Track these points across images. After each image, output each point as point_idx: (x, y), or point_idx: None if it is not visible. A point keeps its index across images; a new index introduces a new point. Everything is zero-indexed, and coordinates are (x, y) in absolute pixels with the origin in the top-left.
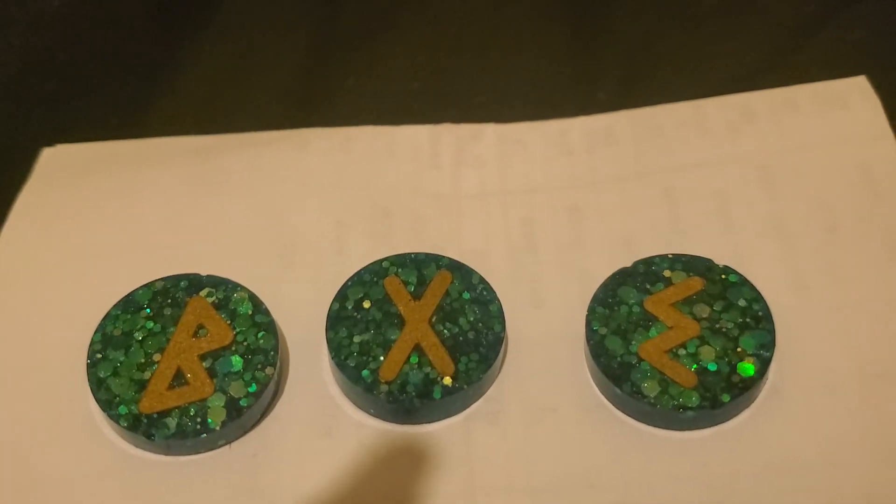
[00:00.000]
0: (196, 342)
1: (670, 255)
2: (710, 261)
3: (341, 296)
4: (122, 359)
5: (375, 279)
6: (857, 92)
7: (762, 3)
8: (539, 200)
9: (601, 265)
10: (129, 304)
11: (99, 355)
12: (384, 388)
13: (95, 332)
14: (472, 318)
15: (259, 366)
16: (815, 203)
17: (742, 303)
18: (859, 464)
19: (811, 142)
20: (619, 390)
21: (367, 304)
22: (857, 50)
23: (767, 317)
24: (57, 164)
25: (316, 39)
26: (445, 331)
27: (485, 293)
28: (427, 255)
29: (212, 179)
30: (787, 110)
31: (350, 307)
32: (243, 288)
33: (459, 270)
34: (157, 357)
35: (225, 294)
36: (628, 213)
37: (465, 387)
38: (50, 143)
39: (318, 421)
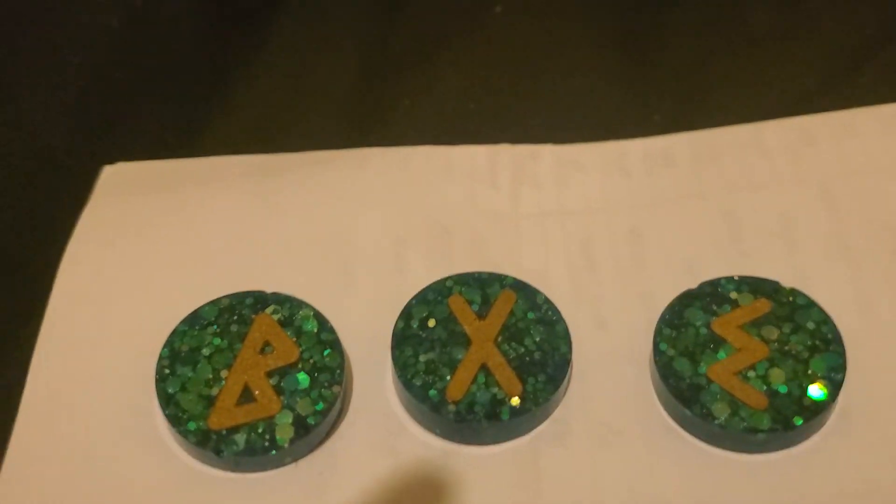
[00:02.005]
0: (263, 359)
1: (736, 277)
2: (776, 283)
3: (406, 314)
4: (189, 374)
5: (440, 298)
6: None
7: (819, 25)
8: (598, 221)
9: (663, 287)
10: (195, 321)
11: (167, 371)
12: (451, 408)
13: (163, 348)
14: (538, 339)
15: (326, 384)
16: (879, 225)
17: (811, 325)
18: None
19: (873, 164)
20: (688, 412)
21: (431, 323)
22: None
23: (837, 339)
24: (118, 181)
25: (370, 60)
26: (511, 351)
27: (550, 313)
28: (490, 274)
29: (271, 197)
30: (848, 133)
31: (415, 326)
32: (308, 305)
33: (524, 290)
34: (224, 373)
35: (290, 311)
36: (689, 235)
37: (534, 408)
38: (110, 161)
39: (383, 440)
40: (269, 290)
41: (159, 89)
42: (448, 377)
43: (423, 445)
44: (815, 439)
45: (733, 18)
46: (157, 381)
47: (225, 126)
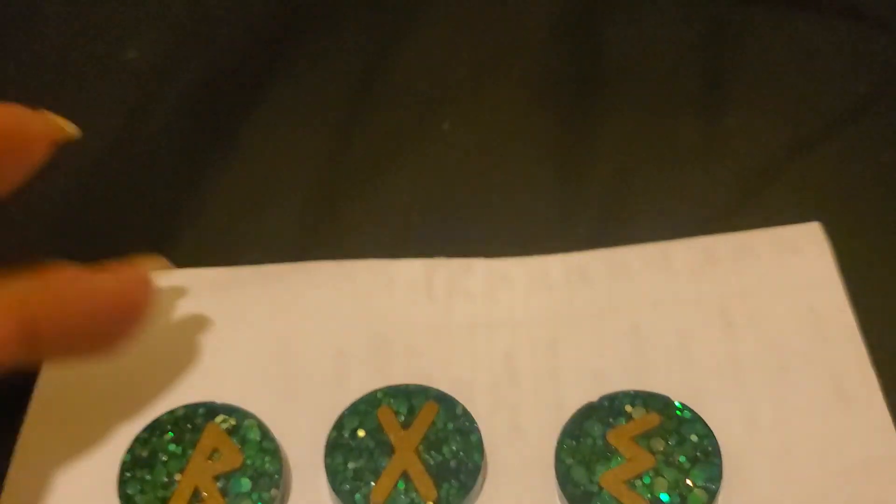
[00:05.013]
0: (211, 464)
1: (632, 392)
2: (667, 398)
3: (339, 424)
4: (147, 477)
5: (369, 409)
6: (809, 238)
7: (734, 144)
8: (520, 334)
9: (574, 397)
10: (154, 429)
11: (128, 474)
12: None
13: (126, 453)
14: (454, 448)
15: (265, 488)
16: (768, 344)
17: (694, 438)
18: None
19: (766, 286)
20: None
21: (361, 433)
22: (819, 192)
23: (716, 451)
24: None
25: (326, 174)
26: (430, 459)
27: (466, 424)
28: (417, 386)
29: (225, 312)
30: (746, 255)
31: (346, 435)
32: (253, 416)
33: (445, 401)
34: (177, 476)
35: (237, 421)
36: (599, 349)
37: None
38: None
39: None
40: (219, 400)
41: (134, 205)
42: (373, 483)
43: None
44: None
45: (660, 134)
46: (119, 482)
47: (192, 238)
